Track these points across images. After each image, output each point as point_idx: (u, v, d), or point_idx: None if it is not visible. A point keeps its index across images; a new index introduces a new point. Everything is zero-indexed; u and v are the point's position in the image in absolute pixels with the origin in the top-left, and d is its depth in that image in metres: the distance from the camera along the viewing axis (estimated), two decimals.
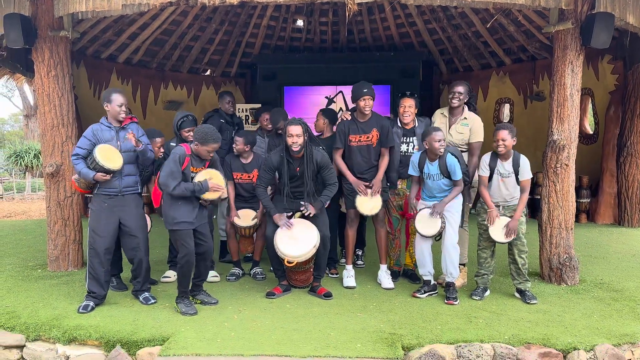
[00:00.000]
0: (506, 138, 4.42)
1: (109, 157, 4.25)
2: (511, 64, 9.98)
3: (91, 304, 4.28)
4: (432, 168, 4.54)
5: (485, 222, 4.56)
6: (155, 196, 4.71)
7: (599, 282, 5.06)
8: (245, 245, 5.34)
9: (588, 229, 7.89)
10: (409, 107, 4.93)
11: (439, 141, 4.45)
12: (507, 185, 4.51)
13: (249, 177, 5.17)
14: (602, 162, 8.39)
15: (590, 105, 9.08)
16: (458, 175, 4.48)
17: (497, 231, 4.50)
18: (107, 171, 4.25)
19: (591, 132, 9.05)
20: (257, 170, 5.09)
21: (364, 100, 4.80)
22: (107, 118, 4.45)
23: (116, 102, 4.40)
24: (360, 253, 5.78)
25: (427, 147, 4.53)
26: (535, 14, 7.76)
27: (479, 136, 4.89)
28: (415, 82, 9.76)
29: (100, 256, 4.34)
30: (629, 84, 8.09)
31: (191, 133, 5.07)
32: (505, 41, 9.59)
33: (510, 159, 4.50)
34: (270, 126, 5.75)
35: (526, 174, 4.47)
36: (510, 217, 4.50)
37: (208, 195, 4.25)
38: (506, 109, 10.42)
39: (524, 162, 4.48)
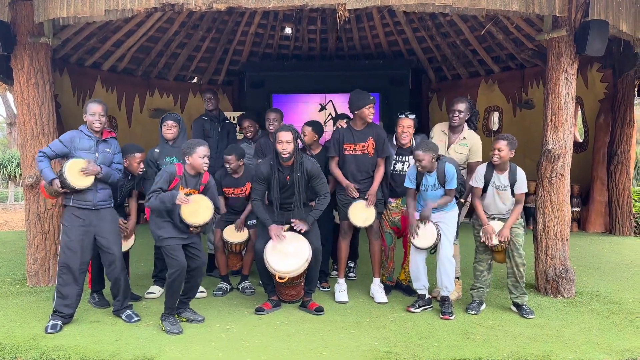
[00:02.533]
0: (503, 149, 4.32)
1: (79, 175, 4.06)
2: (500, 72, 9.94)
3: (59, 323, 4.08)
4: (430, 179, 4.42)
5: (482, 239, 4.44)
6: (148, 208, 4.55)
7: (596, 294, 4.97)
8: (234, 261, 5.18)
9: (579, 238, 7.81)
10: (407, 127, 4.78)
11: (418, 160, 4.33)
12: (503, 198, 4.40)
13: (241, 190, 5.04)
14: (592, 170, 8.35)
15: (579, 113, 9.05)
16: (453, 184, 4.36)
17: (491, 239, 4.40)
18: (69, 187, 4.04)
19: (581, 140, 9.02)
20: (250, 182, 4.94)
21: (368, 108, 4.69)
22: (87, 127, 4.28)
23: (90, 112, 4.22)
24: (352, 265, 5.63)
25: None
26: (524, 22, 7.71)
27: (477, 156, 4.80)
28: (405, 90, 9.67)
29: (75, 274, 4.13)
30: (619, 92, 8.08)
31: (167, 128, 4.92)
32: (494, 49, 9.54)
33: (507, 172, 4.40)
34: (249, 134, 5.68)
35: (522, 187, 4.38)
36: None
37: (186, 216, 4.03)
38: (495, 117, 10.38)
39: (521, 175, 4.39)
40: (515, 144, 4.40)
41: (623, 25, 5.00)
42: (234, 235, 5.02)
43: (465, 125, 4.86)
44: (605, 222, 8.34)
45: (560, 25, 4.83)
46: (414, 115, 4.84)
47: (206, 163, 4.12)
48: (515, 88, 9.75)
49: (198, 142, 4.15)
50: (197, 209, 4.08)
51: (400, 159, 4.86)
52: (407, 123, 4.78)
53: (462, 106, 4.79)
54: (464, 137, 4.82)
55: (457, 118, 4.78)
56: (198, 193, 4.18)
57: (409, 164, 4.82)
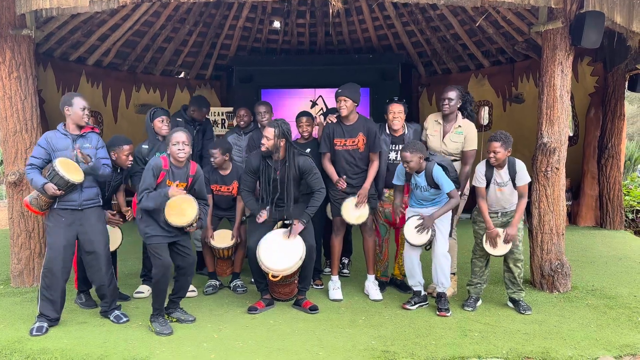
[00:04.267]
0: (498, 150, 4.24)
1: (71, 170, 3.91)
2: (490, 67, 9.89)
3: (45, 325, 3.94)
4: (419, 179, 4.34)
5: (484, 244, 4.35)
6: (134, 205, 4.41)
7: (591, 289, 4.93)
8: (223, 267, 5.03)
9: (571, 232, 7.77)
10: (398, 112, 4.70)
11: (405, 162, 4.27)
12: (505, 193, 4.33)
13: (228, 189, 4.89)
14: (583, 164, 8.33)
15: (569, 107, 9.04)
16: (447, 187, 4.26)
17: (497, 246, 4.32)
18: (68, 184, 3.89)
19: (571, 134, 9.00)
20: (237, 181, 4.82)
21: (339, 102, 4.60)
22: (64, 125, 4.11)
23: (78, 106, 4.05)
24: (346, 262, 5.54)
25: None
26: (515, 16, 7.67)
27: (473, 144, 4.71)
28: (395, 84, 9.60)
29: (58, 276, 3.98)
30: (609, 85, 8.06)
31: (164, 124, 4.78)
32: (484, 43, 9.49)
33: (506, 167, 4.32)
34: (243, 123, 5.55)
35: (523, 178, 4.29)
36: (506, 223, 4.33)
37: (172, 218, 3.90)
38: (485, 111, 10.33)
39: (520, 167, 4.31)
40: (511, 141, 4.30)
41: (617, 17, 4.94)
42: (220, 240, 4.88)
43: (459, 114, 4.78)
44: (596, 216, 8.33)
45: (556, 17, 4.77)
46: (404, 100, 4.77)
47: (180, 149, 3.94)
48: (505, 82, 9.71)
49: (173, 131, 4.04)
50: (180, 209, 3.93)
51: (393, 148, 4.78)
52: (397, 108, 4.71)
53: (452, 94, 4.70)
54: (459, 125, 4.74)
55: (448, 106, 4.69)
56: (187, 186, 4.06)
57: None
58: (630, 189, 9.71)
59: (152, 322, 3.93)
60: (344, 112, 4.63)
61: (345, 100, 4.58)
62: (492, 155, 4.26)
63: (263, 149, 4.25)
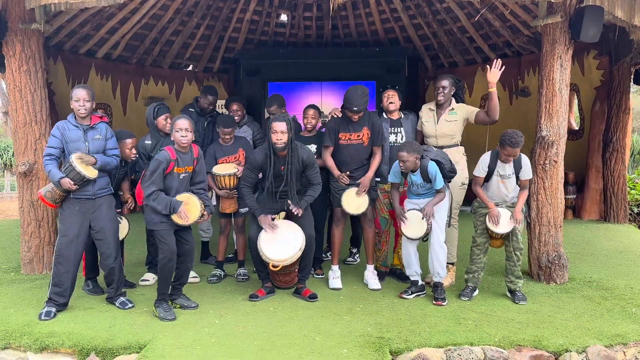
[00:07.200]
0: (517, 153, 4.34)
1: (86, 166, 4.06)
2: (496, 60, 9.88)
3: (53, 310, 4.09)
4: (415, 178, 4.44)
5: (487, 223, 4.41)
6: (138, 194, 4.53)
7: (588, 281, 4.99)
8: (229, 203, 4.98)
9: (574, 226, 7.82)
10: (392, 95, 4.88)
11: (402, 161, 4.35)
12: (507, 186, 4.42)
13: (235, 158, 5.02)
14: (587, 158, 8.34)
15: (575, 101, 9.04)
16: (439, 184, 4.36)
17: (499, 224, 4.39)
18: (83, 179, 4.03)
19: (577, 128, 9.01)
20: (242, 149, 4.98)
21: (353, 113, 4.65)
22: (75, 116, 4.24)
23: (74, 98, 4.17)
24: (354, 250, 5.70)
25: None
26: (521, 9, 7.67)
27: (474, 110, 4.84)
28: (401, 77, 9.61)
29: (70, 262, 4.12)
30: (615, 79, 8.05)
31: (168, 121, 4.85)
32: (490, 37, 9.49)
33: (512, 161, 4.40)
34: (237, 117, 5.52)
35: (527, 174, 4.40)
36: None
37: (175, 218, 4.06)
38: None
39: (526, 162, 4.41)
40: (523, 141, 4.39)
41: (618, 11, 4.96)
42: (222, 167, 4.90)
43: (453, 100, 4.92)
44: (600, 210, 8.34)
45: (555, 11, 4.81)
46: (396, 87, 4.97)
47: (183, 136, 4.06)
48: (511, 76, 9.68)
49: (176, 118, 4.17)
50: (186, 210, 4.08)
51: (393, 131, 4.90)
52: (390, 92, 4.90)
53: (445, 82, 4.83)
54: (452, 108, 4.88)
55: (442, 94, 4.82)
56: (193, 169, 4.20)
57: (402, 135, 4.89)
58: (636, 183, 9.70)
59: (156, 307, 4.07)
60: (355, 119, 4.72)
61: (359, 112, 4.66)
62: (510, 158, 4.35)
63: (280, 144, 4.29)
